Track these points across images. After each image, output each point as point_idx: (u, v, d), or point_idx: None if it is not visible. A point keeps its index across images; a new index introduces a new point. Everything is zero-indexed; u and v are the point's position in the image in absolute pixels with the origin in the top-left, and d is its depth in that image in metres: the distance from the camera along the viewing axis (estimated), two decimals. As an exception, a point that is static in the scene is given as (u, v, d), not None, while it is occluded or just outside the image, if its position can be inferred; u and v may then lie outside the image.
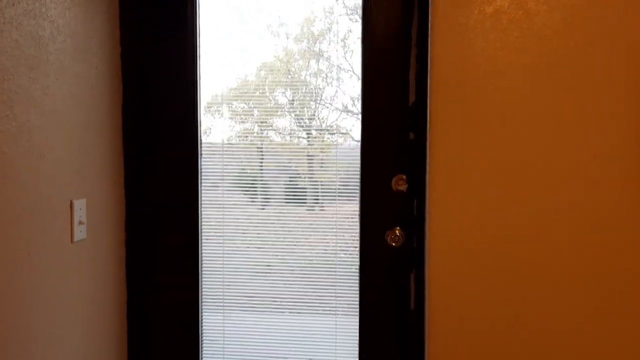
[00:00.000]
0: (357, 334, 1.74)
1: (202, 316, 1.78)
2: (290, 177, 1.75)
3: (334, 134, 1.74)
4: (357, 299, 1.72)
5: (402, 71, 1.63)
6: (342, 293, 1.74)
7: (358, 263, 1.71)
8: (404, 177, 1.66)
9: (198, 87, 1.72)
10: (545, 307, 1.53)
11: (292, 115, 1.77)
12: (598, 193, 1.49)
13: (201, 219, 1.75)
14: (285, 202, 1.75)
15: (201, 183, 1.73)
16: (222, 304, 1.77)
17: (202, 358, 1.79)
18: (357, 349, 1.74)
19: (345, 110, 1.75)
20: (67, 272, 1.40)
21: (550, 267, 1.52)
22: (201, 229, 1.75)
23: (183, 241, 1.76)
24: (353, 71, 1.72)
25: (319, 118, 1.76)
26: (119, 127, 1.66)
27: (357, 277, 1.72)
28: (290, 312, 1.75)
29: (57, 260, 1.35)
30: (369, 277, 1.70)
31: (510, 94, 1.50)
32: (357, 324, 1.73)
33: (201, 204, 1.74)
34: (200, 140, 1.73)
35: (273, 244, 1.74)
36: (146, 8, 1.70)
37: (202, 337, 1.79)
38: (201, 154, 1.73)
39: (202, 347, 1.79)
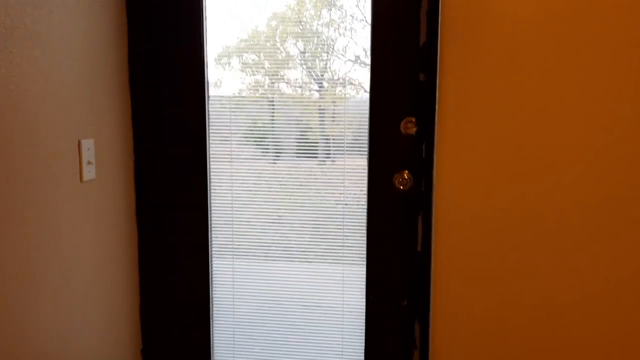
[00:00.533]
0: (364, 281, 1.75)
1: (212, 261, 1.81)
2: (301, 131, 1.73)
3: (345, 86, 1.71)
4: (365, 249, 1.73)
5: (413, 10, 1.59)
6: (350, 244, 1.75)
7: (366, 215, 1.71)
8: (413, 119, 1.64)
9: (204, 31, 1.70)
10: (552, 250, 1.52)
11: (304, 67, 1.74)
12: (610, 133, 1.45)
13: (209, 170, 1.76)
14: (297, 156, 1.74)
15: (209, 134, 1.74)
16: (231, 252, 1.80)
17: (212, 299, 1.83)
18: (364, 295, 1.76)
19: (358, 61, 1.72)
20: (77, 211, 1.42)
21: (560, 210, 1.51)
22: (210, 179, 1.76)
23: (192, 192, 1.78)
24: (366, 20, 1.68)
25: (330, 70, 1.73)
26: (126, 70, 1.66)
27: (365, 229, 1.72)
28: (300, 261, 1.77)
29: (67, 200, 1.37)
30: (376, 220, 1.70)
31: (522, 35, 1.46)
32: (364, 272, 1.75)
33: (209, 156, 1.75)
34: (208, 90, 1.72)
35: (284, 197, 1.75)
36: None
37: (212, 281, 1.82)
38: (209, 105, 1.73)
39: (212, 289, 1.83)
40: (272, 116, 1.74)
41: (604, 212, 1.50)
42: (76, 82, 1.40)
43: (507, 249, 1.55)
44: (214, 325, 1.85)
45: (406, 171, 1.66)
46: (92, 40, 1.46)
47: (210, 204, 1.78)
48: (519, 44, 1.46)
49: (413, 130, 1.64)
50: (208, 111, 1.74)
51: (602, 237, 1.50)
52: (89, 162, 1.45)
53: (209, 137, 1.74)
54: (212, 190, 1.78)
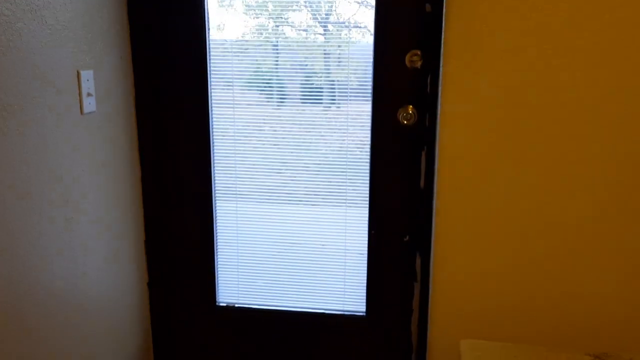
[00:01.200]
0: (367, 222, 1.76)
1: (215, 204, 1.82)
2: (306, 75, 1.70)
3: (351, 29, 1.66)
4: (367, 191, 1.74)
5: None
6: (353, 187, 1.75)
7: (369, 157, 1.70)
8: (419, 52, 1.60)
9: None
10: (556, 187, 1.52)
11: (309, 9, 1.69)
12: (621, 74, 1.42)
13: (212, 115, 1.75)
14: (301, 102, 1.72)
15: (211, 78, 1.71)
16: (234, 196, 1.81)
17: (216, 239, 1.85)
18: (366, 235, 1.77)
19: (364, 3, 1.66)
20: (79, 144, 1.41)
21: (568, 149, 1.49)
22: (212, 124, 1.75)
23: (194, 136, 1.77)
24: (372, -43, 1.61)
25: (336, 13, 1.68)
26: (124, 4, 1.62)
27: (368, 172, 1.72)
28: (303, 204, 1.78)
29: (68, 133, 1.36)
30: (379, 156, 1.70)
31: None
32: (366, 214, 1.76)
33: (211, 101, 1.73)
34: (209, 33, 1.68)
35: (288, 142, 1.74)
36: None
37: (215, 222, 1.84)
38: (210, 49, 1.69)
39: (216, 230, 1.84)
40: (276, 61, 1.71)
41: (612, 162, 1.48)
42: (74, 12, 1.36)
43: (511, 186, 1.54)
44: (218, 264, 1.88)
45: (410, 106, 1.64)
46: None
47: (212, 148, 1.77)
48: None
49: (418, 63, 1.61)
50: (209, 55, 1.70)
51: (611, 190, 1.50)
52: (88, 94, 1.44)
53: (210, 81, 1.72)
54: (214, 135, 1.77)
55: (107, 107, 1.54)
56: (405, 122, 1.65)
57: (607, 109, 1.46)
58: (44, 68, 1.26)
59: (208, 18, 1.69)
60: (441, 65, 1.52)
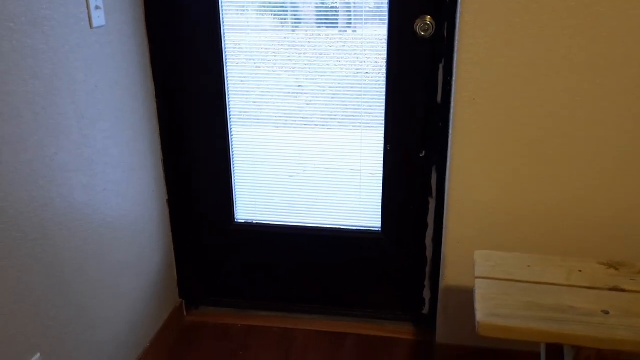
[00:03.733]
0: (382, 144, 1.75)
1: (231, 127, 1.82)
2: None
3: None
4: (383, 115, 1.71)
5: None
6: (369, 110, 1.73)
7: (385, 74, 1.65)
8: (437, -42, 1.52)
9: None
10: (578, 95, 1.48)
11: None
12: None
13: (224, 39, 1.71)
14: (317, 25, 1.66)
15: (222, 3, 1.66)
16: (249, 120, 1.80)
17: (232, 160, 1.86)
18: (382, 155, 1.76)
19: None
20: (90, 59, 1.40)
21: (594, 58, 1.44)
22: (225, 49, 1.72)
23: (206, 59, 1.74)
24: None
25: None
26: None
27: (384, 95, 1.68)
28: (320, 128, 1.77)
29: (78, 47, 1.35)
30: (396, 69, 1.66)
31: None
32: (382, 135, 1.74)
33: (224, 26, 1.70)
34: None
35: (303, 67, 1.71)
36: None
37: (232, 145, 1.84)
38: None
39: (232, 152, 1.85)
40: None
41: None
42: None
43: (530, 97, 1.50)
44: (235, 184, 1.90)
45: (428, 16, 1.58)
46: None
47: (225, 72, 1.74)
48: None
49: (437, -30, 1.53)
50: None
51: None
52: (97, 7, 1.40)
53: (221, 5, 1.66)
54: (227, 60, 1.73)
55: (116, 20, 1.51)
56: (422, 33, 1.59)
57: None
58: (50, -22, 1.23)
59: None
60: (461, -30, 1.44)
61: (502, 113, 1.53)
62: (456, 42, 1.51)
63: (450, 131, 1.59)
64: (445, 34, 1.58)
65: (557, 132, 1.53)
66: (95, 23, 1.40)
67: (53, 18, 1.25)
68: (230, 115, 1.81)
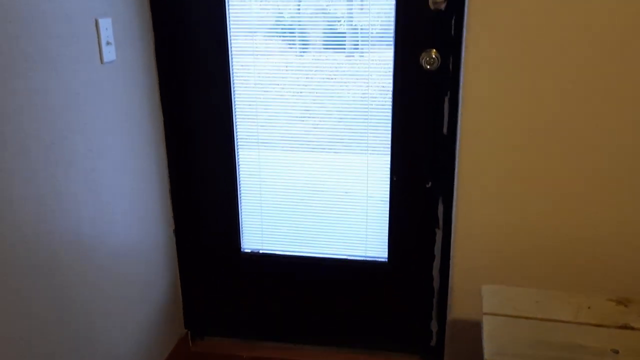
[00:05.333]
0: (389, 170, 1.75)
1: (237, 151, 1.83)
2: (329, 22, 1.66)
3: None
4: (389, 139, 1.71)
5: None
6: (375, 134, 1.74)
7: (391, 101, 1.67)
8: (443, -7, 1.54)
9: None
10: (582, 133, 1.48)
11: None
12: None
13: (232, 63, 1.73)
14: (324, 48, 1.68)
15: (230, 26, 1.69)
16: (256, 144, 1.81)
17: (239, 187, 1.87)
18: (388, 182, 1.76)
19: None
20: (100, 94, 1.42)
21: (594, 99, 1.44)
22: (232, 73, 1.74)
23: (214, 83, 1.76)
24: None
25: None
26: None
27: (390, 120, 1.69)
28: (325, 152, 1.78)
29: (89, 82, 1.37)
30: (402, 101, 1.67)
31: None
32: (388, 161, 1.74)
33: (231, 49, 1.72)
34: None
35: (311, 90, 1.73)
36: None
37: (238, 170, 1.85)
38: None
39: (239, 177, 1.86)
40: (299, 7, 1.67)
41: (641, 89, 1.43)
42: (88, -44, 1.34)
43: (536, 132, 1.51)
44: (242, 212, 1.90)
45: (434, 49, 1.59)
46: None
47: (233, 96, 1.76)
48: None
49: (442, 5, 1.55)
50: (228, 3, 1.67)
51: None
52: (108, 43, 1.43)
53: (229, 29, 1.69)
54: (235, 84, 1.75)
55: (127, 55, 1.53)
56: (428, 66, 1.60)
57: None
58: (63, 18, 1.25)
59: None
60: (466, 7, 1.46)
61: (508, 146, 1.54)
62: (462, 76, 1.52)
63: (457, 162, 1.59)
64: (451, 68, 1.59)
65: (565, 168, 1.53)
66: (106, 58, 1.43)
67: (65, 55, 1.27)
68: (237, 139, 1.82)
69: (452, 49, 1.57)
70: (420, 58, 1.61)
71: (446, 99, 1.62)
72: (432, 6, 1.56)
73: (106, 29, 1.42)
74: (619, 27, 1.39)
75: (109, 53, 1.44)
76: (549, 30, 1.42)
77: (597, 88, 1.45)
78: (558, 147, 1.51)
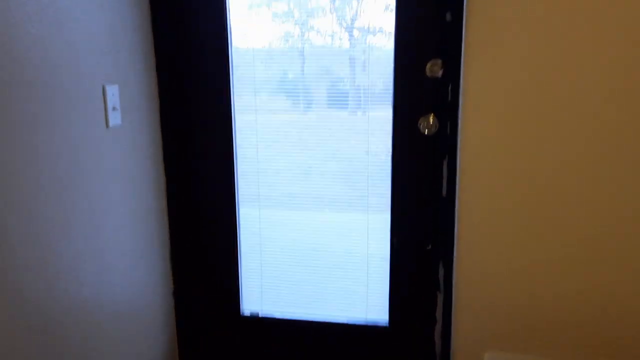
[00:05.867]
0: (389, 229, 1.76)
1: (238, 210, 1.84)
2: (332, 81, 1.71)
3: (376, 34, 1.67)
4: (389, 198, 1.73)
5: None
6: (375, 192, 1.75)
7: (391, 162, 1.69)
8: (440, 61, 1.59)
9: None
10: (580, 193, 1.49)
11: (334, 15, 1.70)
12: None
13: (235, 121, 1.78)
14: (327, 107, 1.73)
15: (233, 86, 1.74)
16: (257, 202, 1.83)
17: (239, 248, 1.87)
18: (389, 241, 1.76)
19: (389, 9, 1.67)
20: (105, 157, 1.45)
21: (589, 157, 1.47)
22: (235, 131, 1.78)
23: (217, 143, 1.79)
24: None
25: (361, 18, 1.69)
26: (149, 18, 1.66)
27: (390, 180, 1.71)
28: (326, 210, 1.79)
29: (94, 146, 1.40)
30: (401, 165, 1.69)
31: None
32: (389, 220, 1.75)
33: (234, 107, 1.77)
34: (231, 41, 1.71)
35: (313, 148, 1.76)
36: None
37: (239, 228, 1.86)
38: (232, 56, 1.73)
39: (239, 237, 1.86)
40: (302, 67, 1.72)
41: None
42: (99, 28, 1.40)
43: (534, 194, 1.52)
44: (242, 273, 1.89)
45: (432, 115, 1.63)
46: (113, -16, 1.45)
47: (235, 155, 1.79)
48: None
49: (439, 72, 1.60)
50: (232, 64, 1.73)
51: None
52: (114, 108, 1.47)
53: (233, 89, 1.75)
54: (237, 142, 1.79)
55: (132, 120, 1.57)
56: (426, 131, 1.64)
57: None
58: (70, 84, 1.30)
59: (230, 29, 1.71)
60: (462, 74, 1.51)
61: (508, 209, 1.55)
62: (459, 140, 1.55)
63: (456, 226, 1.60)
64: (449, 132, 1.62)
65: (566, 229, 1.53)
66: (111, 123, 1.46)
67: (71, 119, 1.31)
68: (238, 197, 1.83)
69: (449, 113, 1.61)
70: (419, 123, 1.64)
71: (444, 162, 1.65)
72: (429, 73, 1.61)
73: (112, 95, 1.46)
74: (618, 85, 1.42)
75: (115, 118, 1.48)
76: (545, 93, 1.46)
77: (600, 141, 1.47)
78: (560, 211, 1.52)
